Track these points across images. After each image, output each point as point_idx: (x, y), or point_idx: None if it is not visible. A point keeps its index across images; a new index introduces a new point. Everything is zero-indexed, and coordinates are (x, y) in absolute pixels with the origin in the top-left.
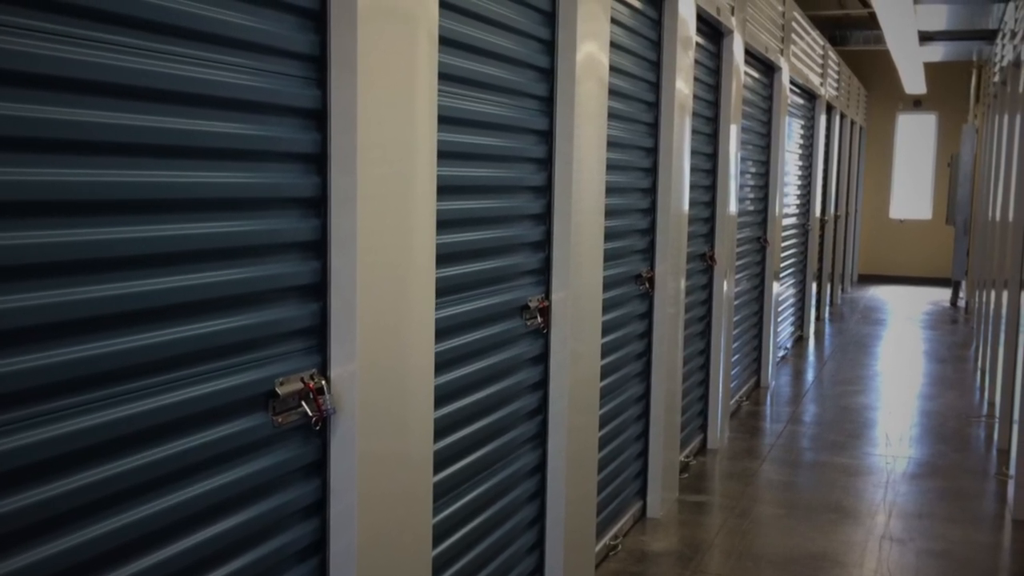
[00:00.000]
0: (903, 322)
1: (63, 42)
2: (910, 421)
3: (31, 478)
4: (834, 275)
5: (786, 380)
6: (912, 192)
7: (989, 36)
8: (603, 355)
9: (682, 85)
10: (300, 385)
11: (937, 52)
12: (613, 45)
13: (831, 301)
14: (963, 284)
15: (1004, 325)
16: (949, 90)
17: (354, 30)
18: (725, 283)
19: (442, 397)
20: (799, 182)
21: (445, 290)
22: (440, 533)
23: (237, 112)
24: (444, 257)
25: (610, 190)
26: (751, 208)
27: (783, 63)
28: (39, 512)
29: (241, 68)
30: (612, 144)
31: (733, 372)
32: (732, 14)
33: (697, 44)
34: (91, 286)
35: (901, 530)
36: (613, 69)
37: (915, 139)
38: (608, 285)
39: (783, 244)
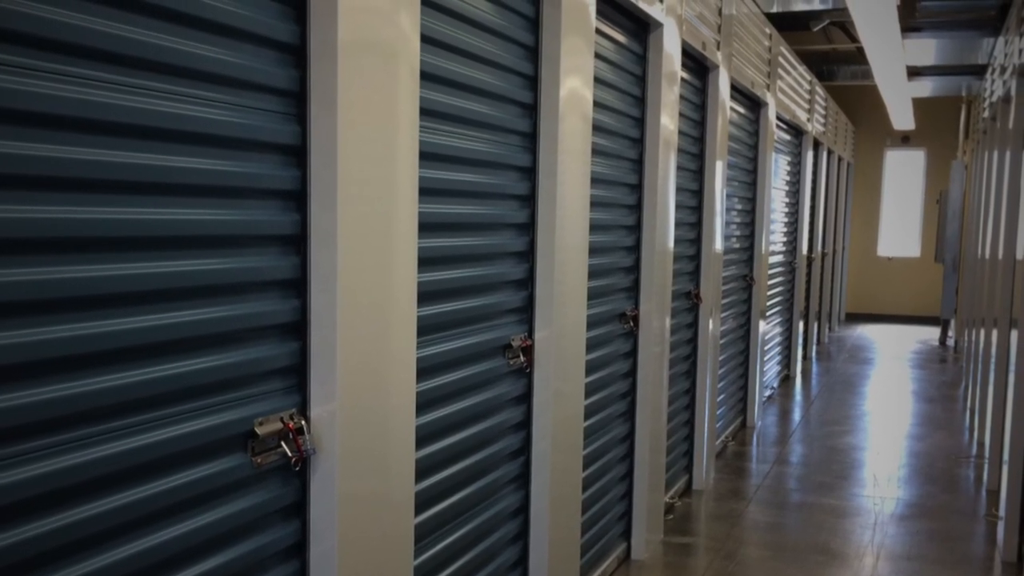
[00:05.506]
0: (891, 361)
1: (38, 77)
2: (898, 462)
3: (3, 520)
4: (821, 313)
5: (772, 420)
6: (900, 229)
7: (978, 71)
8: (587, 395)
9: (667, 121)
10: (279, 425)
11: (926, 87)
12: (597, 80)
13: (818, 340)
14: (952, 323)
15: (994, 364)
16: (938, 126)
17: (334, 65)
18: (711, 321)
19: (423, 437)
20: (786, 219)
21: (427, 329)
22: (421, 575)
23: (216, 148)
24: (426, 295)
25: (594, 227)
26: (737, 246)
27: (769, 98)
28: (11, 555)
29: (220, 103)
30: (596, 180)
31: (719, 412)
32: (718, 49)
33: (682, 79)
34: (67, 324)
35: (889, 573)
36: (597, 104)
37: (903, 175)
38: (592, 324)
39: (769, 282)
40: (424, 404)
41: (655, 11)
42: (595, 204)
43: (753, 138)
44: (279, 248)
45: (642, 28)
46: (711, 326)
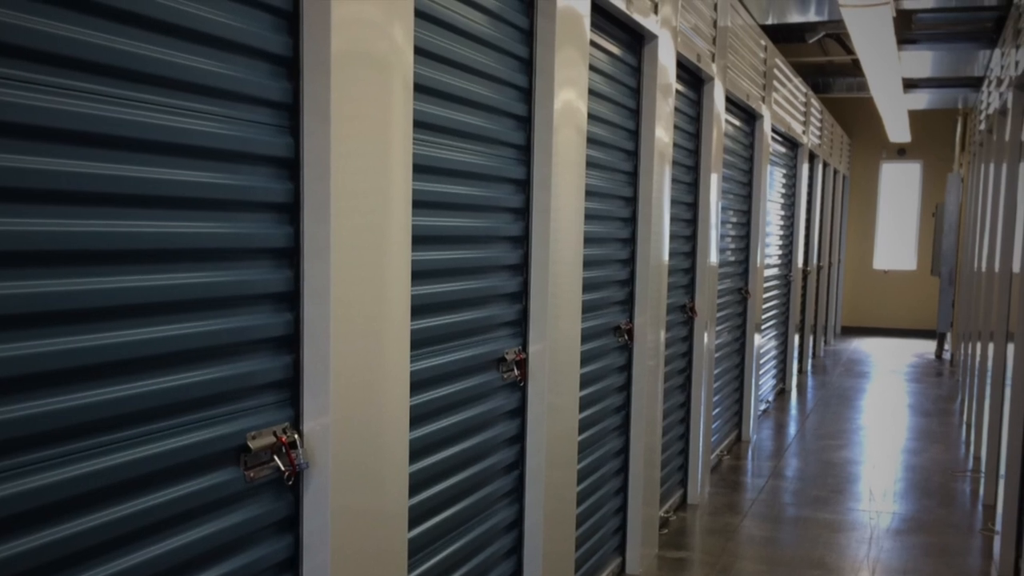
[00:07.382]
0: (887, 375)
1: (29, 89)
2: (894, 476)
3: None
4: (817, 327)
5: (768, 434)
6: (896, 242)
7: (975, 83)
8: (581, 408)
9: (662, 133)
10: (272, 439)
11: (922, 100)
12: (591, 92)
13: (814, 353)
14: (948, 336)
15: (990, 378)
16: (934, 138)
17: (327, 77)
18: (706, 335)
19: (417, 451)
20: (781, 232)
21: (420, 342)
22: None
23: (208, 161)
24: (419, 308)
25: (588, 240)
26: (732, 259)
27: (765, 111)
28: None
29: (212, 116)
30: (590, 193)
31: (714, 426)
32: (713, 61)
33: (677, 91)
34: (58, 338)
35: None
36: (591, 117)
37: (899, 188)
38: (586, 337)
39: (765, 295)
40: (418, 418)
41: (650, 23)
42: (589, 217)
43: (748, 150)
44: (272, 261)
45: (637, 40)
46: (706, 339)
